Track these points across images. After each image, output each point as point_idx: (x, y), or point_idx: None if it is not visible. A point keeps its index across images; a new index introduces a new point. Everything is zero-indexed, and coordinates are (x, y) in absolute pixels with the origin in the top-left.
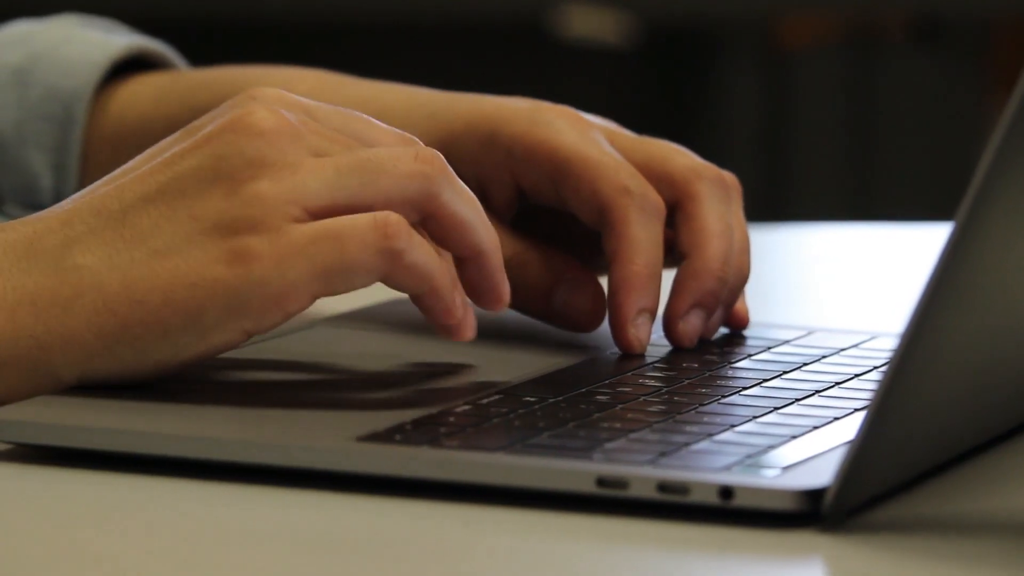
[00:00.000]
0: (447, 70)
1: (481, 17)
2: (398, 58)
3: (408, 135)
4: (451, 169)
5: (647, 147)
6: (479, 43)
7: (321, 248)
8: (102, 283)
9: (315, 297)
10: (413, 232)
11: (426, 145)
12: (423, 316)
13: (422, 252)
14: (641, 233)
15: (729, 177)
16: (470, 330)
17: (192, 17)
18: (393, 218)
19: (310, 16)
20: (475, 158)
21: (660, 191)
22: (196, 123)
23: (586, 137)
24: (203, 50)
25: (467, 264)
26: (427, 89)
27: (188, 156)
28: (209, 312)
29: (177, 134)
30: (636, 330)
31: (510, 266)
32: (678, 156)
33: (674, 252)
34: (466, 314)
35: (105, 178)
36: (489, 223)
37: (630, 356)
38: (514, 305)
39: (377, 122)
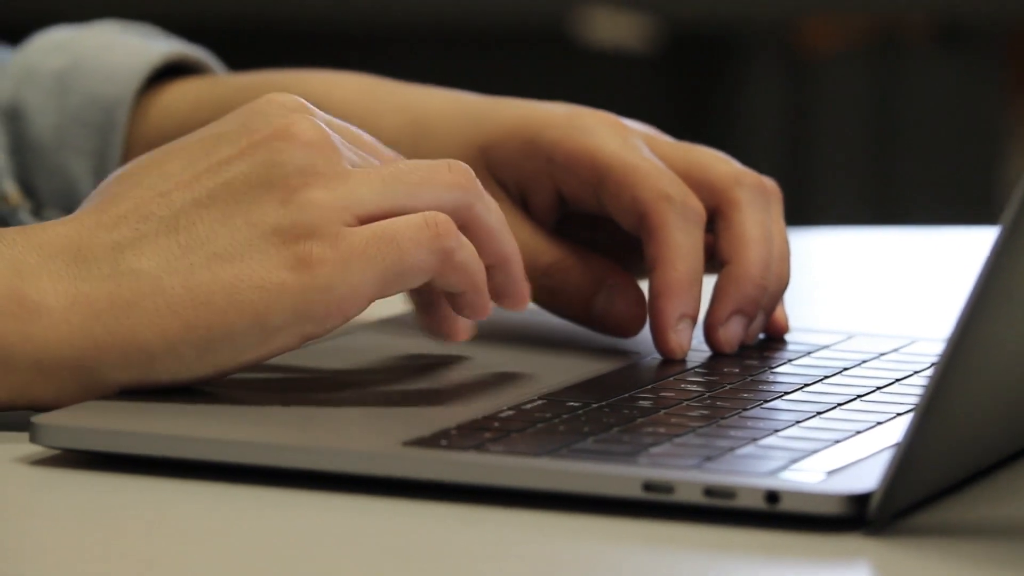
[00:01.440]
0: (470, 75)
1: (504, 22)
2: (421, 64)
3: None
4: (479, 182)
5: (687, 153)
6: (502, 48)
7: (380, 250)
8: (163, 287)
9: (371, 300)
10: (459, 232)
11: (466, 150)
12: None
13: (469, 251)
14: (682, 239)
15: (769, 183)
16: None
17: (226, 23)
18: (442, 218)
19: (335, 22)
20: (516, 164)
21: (700, 197)
22: (224, 126)
23: (627, 143)
24: (238, 56)
25: (494, 270)
26: (468, 93)
27: (236, 162)
28: (275, 316)
29: (204, 133)
30: (677, 336)
31: (552, 272)
32: (719, 162)
33: (714, 258)
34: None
35: (130, 169)
36: (511, 233)
37: (671, 361)
38: (555, 310)
39: (380, 144)
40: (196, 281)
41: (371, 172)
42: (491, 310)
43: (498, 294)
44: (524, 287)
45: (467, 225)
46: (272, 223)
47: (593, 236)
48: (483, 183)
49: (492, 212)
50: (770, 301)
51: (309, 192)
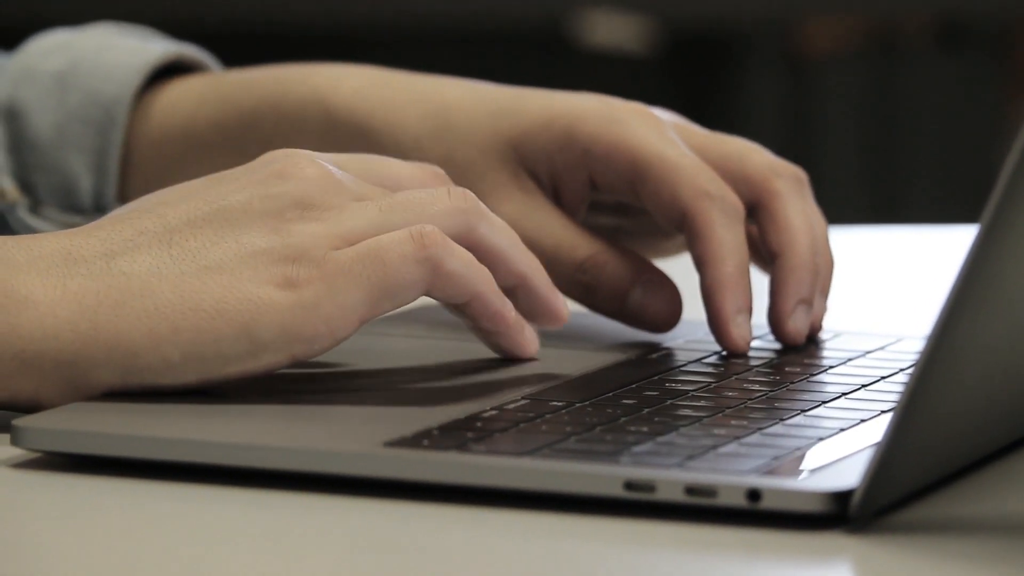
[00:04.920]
0: (469, 77)
1: (502, 23)
2: (420, 66)
3: (431, 166)
4: (483, 204)
5: (721, 145)
6: (500, 50)
7: (366, 266)
8: (152, 290)
9: (362, 320)
10: (450, 241)
11: (495, 143)
12: (458, 324)
13: (461, 260)
14: (727, 235)
15: (800, 171)
16: (533, 345)
17: (224, 26)
18: (428, 228)
19: (333, 24)
20: (549, 156)
21: (737, 189)
22: (227, 172)
23: (663, 137)
24: (237, 60)
25: (515, 292)
26: (485, 83)
27: (235, 193)
28: (262, 329)
29: (208, 178)
30: (738, 329)
31: (587, 267)
32: (753, 153)
33: (758, 249)
34: (523, 329)
35: (126, 206)
36: (526, 249)
37: (655, 361)
38: (590, 305)
39: (393, 160)
40: (186, 288)
41: (368, 204)
42: (515, 318)
43: (529, 315)
44: (554, 303)
45: (474, 248)
46: (262, 246)
47: (619, 223)
48: (515, 176)
49: (500, 232)
50: (824, 283)
51: (301, 224)
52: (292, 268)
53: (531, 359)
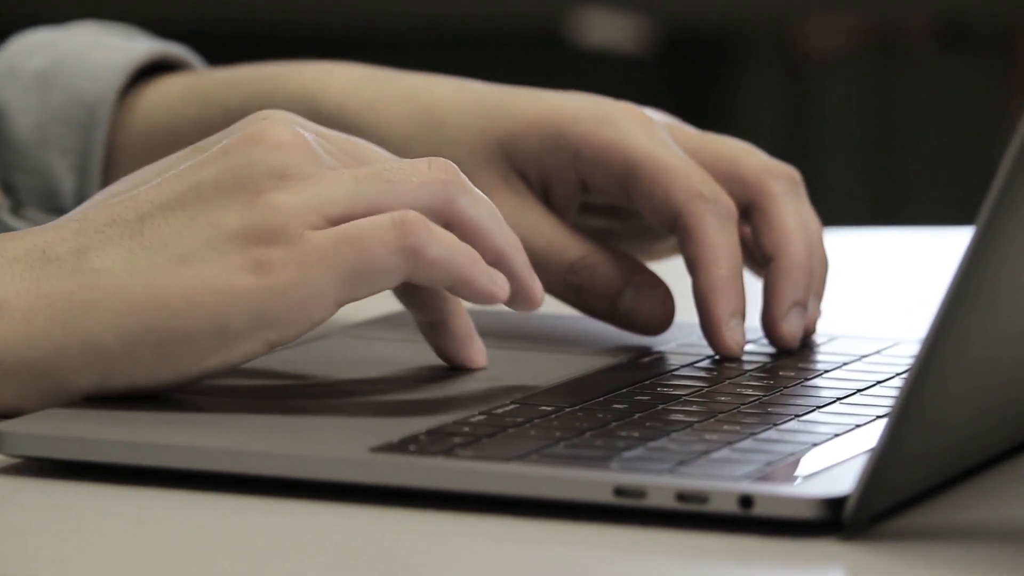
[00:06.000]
0: (463, 76)
1: (497, 24)
2: (414, 65)
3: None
4: (465, 177)
5: (714, 145)
6: (495, 50)
7: (343, 252)
8: (123, 287)
9: (339, 304)
10: (432, 226)
11: (484, 143)
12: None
13: (443, 245)
14: (720, 238)
15: (794, 171)
16: (482, 356)
17: (210, 26)
18: (411, 215)
19: (327, 25)
20: (539, 158)
21: (731, 191)
22: (205, 141)
23: (655, 138)
24: (225, 60)
25: (494, 268)
26: (475, 82)
27: (206, 167)
28: (233, 319)
29: (186, 150)
30: (732, 333)
31: (578, 268)
32: (747, 154)
33: (752, 252)
34: (473, 340)
35: (108, 189)
36: (507, 226)
37: (646, 365)
38: (581, 308)
39: (381, 150)
40: (156, 283)
41: (344, 173)
42: (505, 291)
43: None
44: (531, 284)
45: (453, 222)
46: (235, 226)
47: (610, 224)
48: (504, 177)
49: (480, 206)
50: (818, 285)
51: (276, 195)
52: (266, 251)
53: (480, 368)
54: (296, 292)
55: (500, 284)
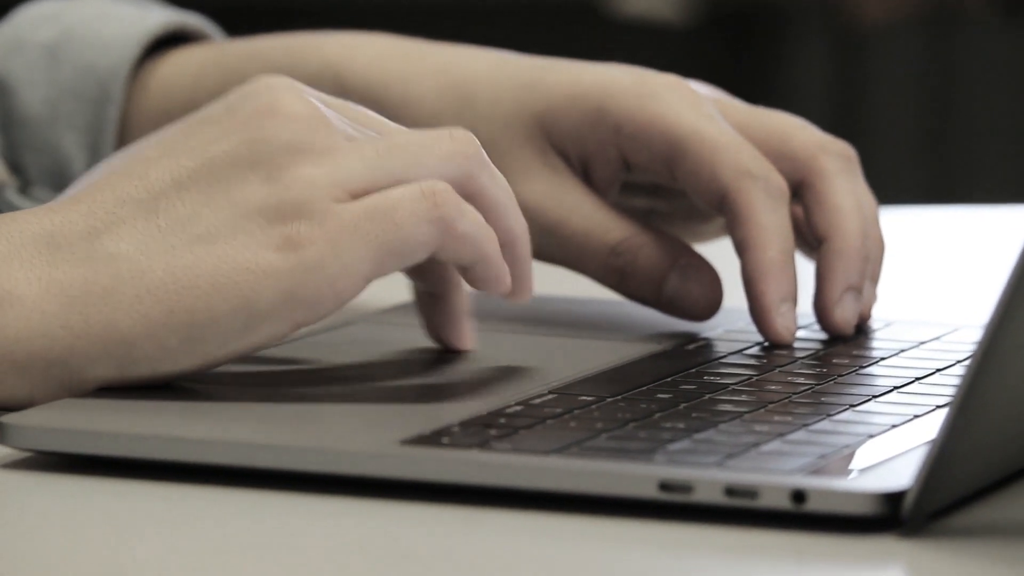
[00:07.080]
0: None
1: None
2: (445, 36)
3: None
4: (485, 153)
5: (764, 120)
6: (532, 22)
7: (375, 225)
8: (142, 271)
9: (368, 280)
10: (462, 201)
11: (520, 119)
12: (477, 313)
13: (472, 219)
14: (770, 219)
15: (849, 147)
16: (472, 337)
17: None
18: (440, 186)
19: None
20: (579, 134)
21: (782, 168)
22: (205, 110)
23: (701, 113)
24: (240, 28)
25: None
26: (512, 53)
27: (219, 141)
28: (262, 299)
29: (187, 121)
30: (783, 319)
31: (621, 250)
32: (799, 130)
33: (804, 232)
34: (465, 320)
35: (107, 164)
36: (519, 210)
37: (691, 352)
38: (622, 292)
39: (385, 119)
40: (178, 264)
41: (364, 144)
42: (509, 284)
43: (500, 281)
44: (529, 274)
45: (470, 197)
46: (257, 203)
47: (654, 204)
48: (542, 154)
49: (499, 184)
50: (874, 269)
51: (296, 169)
52: (292, 226)
53: (468, 351)
54: (327, 269)
55: (506, 272)
